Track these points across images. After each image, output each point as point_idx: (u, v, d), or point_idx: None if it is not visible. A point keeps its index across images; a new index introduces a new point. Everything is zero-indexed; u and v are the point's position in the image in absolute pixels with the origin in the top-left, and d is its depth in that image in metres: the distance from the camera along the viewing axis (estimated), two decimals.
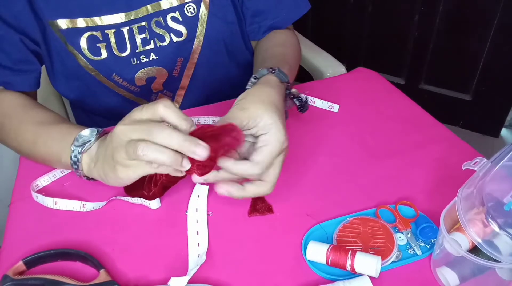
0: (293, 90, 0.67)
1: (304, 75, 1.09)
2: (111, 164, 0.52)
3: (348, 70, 0.97)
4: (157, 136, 0.47)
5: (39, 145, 0.63)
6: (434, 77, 1.93)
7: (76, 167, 0.58)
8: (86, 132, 0.59)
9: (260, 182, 0.54)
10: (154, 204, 0.59)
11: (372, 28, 1.96)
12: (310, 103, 0.79)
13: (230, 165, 0.52)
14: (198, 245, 0.54)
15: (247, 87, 0.63)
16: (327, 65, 1.04)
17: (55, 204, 0.59)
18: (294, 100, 0.68)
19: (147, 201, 0.58)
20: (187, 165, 0.49)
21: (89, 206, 0.59)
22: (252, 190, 0.54)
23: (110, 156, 0.52)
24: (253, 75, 0.64)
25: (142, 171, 0.51)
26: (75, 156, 0.57)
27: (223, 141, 0.50)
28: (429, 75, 1.93)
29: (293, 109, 0.70)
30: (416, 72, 1.95)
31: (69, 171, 0.65)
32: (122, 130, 0.50)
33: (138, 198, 0.59)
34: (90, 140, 0.57)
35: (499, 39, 1.68)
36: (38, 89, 0.76)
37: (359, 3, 1.92)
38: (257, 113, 0.54)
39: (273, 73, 0.63)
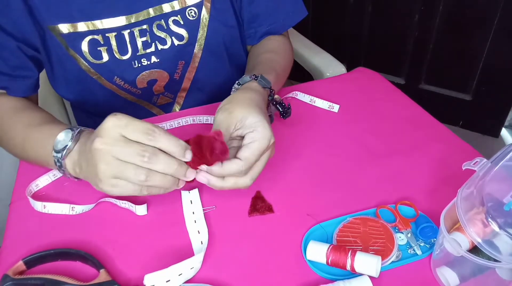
0: (276, 96, 0.69)
1: (304, 75, 1.09)
2: (94, 179, 0.52)
3: (348, 70, 0.97)
4: (157, 165, 0.49)
5: (28, 150, 0.64)
6: (434, 77, 1.93)
7: (63, 171, 0.58)
8: (61, 136, 0.57)
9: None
10: (141, 210, 0.59)
11: (372, 28, 1.96)
12: (310, 103, 0.79)
13: (217, 170, 0.53)
14: (199, 233, 0.56)
15: (231, 92, 0.66)
16: (327, 65, 1.04)
17: (44, 207, 0.59)
18: (277, 106, 0.70)
19: (133, 206, 0.59)
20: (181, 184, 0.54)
21: (78, 209, 0.59)
22: (232, 182, 0.55)
23: (94, 172, 0.51)
24: (237, 82, 0.67)
25: (130, 191, 0.51)
26: (58, 161, 0.57)
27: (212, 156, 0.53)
28: (429, 75, 1.93)
29: (292, 110, 0.71)
30: (416, 72, 1.95)
31: None
32: (107, 150, 0.49)
33: (126, 202, 0.59)
34: (67, 145, 0.56)
35: (499, 39, 1.68)
36: (35, 94, 0.76)
37: (359, 3, 1.92)
38: (242, 114, 0.56)
39: (256, 79, 0.66)
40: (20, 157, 0.68)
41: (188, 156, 0.51)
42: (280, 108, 0.71)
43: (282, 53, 0.83)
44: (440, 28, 1.78)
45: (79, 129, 0.58)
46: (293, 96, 0.81)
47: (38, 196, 0.62)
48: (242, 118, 0.56)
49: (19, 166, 0.69)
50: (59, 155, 0.56)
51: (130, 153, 0.48)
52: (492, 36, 1.69)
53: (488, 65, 1.76)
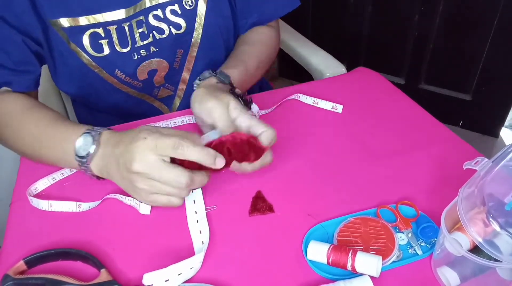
0: (237, 90, 0.72)
1: (304, 75, 1.09)
2: (133, 194, 0.57)
3: (348, 70, 0.97)
4: (193, 185, 0.56)
5: (44, 149, 0.64)
6: (434, 77, 1.93)
7: (89, 174, 0.60)
8: (81, 141, 0.60)
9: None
10: (144, 209, 0.59)
11: (372, 28, 1.96)
12: (313, 105, 0.79)
13: (249, 167, 0.60)
14: (200, 233, 0.56)
15: (193, 88, 0.71)
16: (327, 65, 1.04)
17: (50, 206, 0.59)
18: (239, 99, 0.71)
19: (138, 203, 0.59)
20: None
21: (85, 206, 0.60)
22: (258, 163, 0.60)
23: (133, 191, 0.56)
24: (198, 77, 0.72)
25: (162, 203, 0.56)
26: (82, 164, 0.59)
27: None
28: (429, 75, 1.93)
29: (294, 111, 0.71)
30: (416, 72, 1.95)
31: (69, 173, 0.65)
32: (146, 174, 0.53)
33: (131, 199, 0.59)
34: (89, 151, 0.59)
35: (499, 39, 1.68)
36: (35, 90, 0.76)
37: (359, 3, 1.92)
38: (201, 112, 0.63)
39: (215, 76, 0.71)
40: (31, 157, 0.67)
41: (219, 164, 0.55)
42: (241, 102, 0.72)
43: (258, 45, 0.85)
44: (440, 28, 1.78)
45: (98, 132, 0.60)
46: (296, 98, 0.80)
47: (41, 196, 0.62)
48: (206, 114, 0.62)
49: (19, 166, 0.68)
50: (83, 160, 0.59)
51: (168, 180, 0.53)
52: (492, 36, 1.69)
53: (488, 65, 1.76)
